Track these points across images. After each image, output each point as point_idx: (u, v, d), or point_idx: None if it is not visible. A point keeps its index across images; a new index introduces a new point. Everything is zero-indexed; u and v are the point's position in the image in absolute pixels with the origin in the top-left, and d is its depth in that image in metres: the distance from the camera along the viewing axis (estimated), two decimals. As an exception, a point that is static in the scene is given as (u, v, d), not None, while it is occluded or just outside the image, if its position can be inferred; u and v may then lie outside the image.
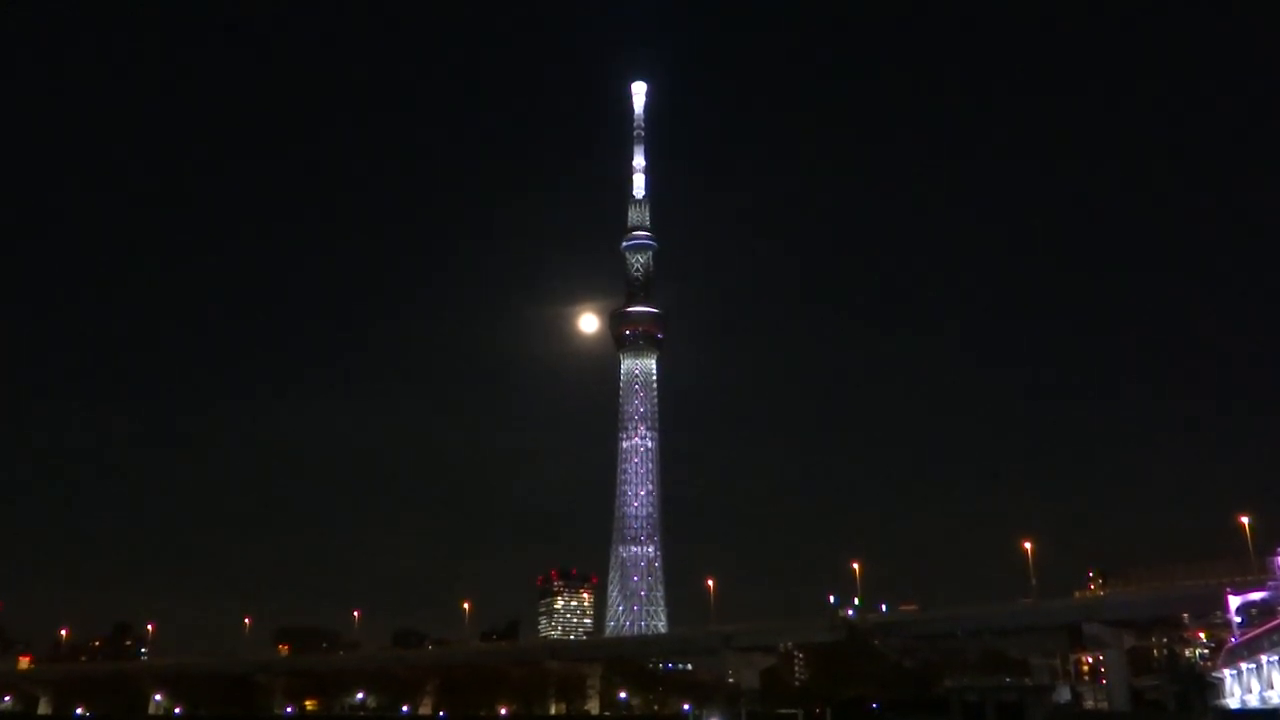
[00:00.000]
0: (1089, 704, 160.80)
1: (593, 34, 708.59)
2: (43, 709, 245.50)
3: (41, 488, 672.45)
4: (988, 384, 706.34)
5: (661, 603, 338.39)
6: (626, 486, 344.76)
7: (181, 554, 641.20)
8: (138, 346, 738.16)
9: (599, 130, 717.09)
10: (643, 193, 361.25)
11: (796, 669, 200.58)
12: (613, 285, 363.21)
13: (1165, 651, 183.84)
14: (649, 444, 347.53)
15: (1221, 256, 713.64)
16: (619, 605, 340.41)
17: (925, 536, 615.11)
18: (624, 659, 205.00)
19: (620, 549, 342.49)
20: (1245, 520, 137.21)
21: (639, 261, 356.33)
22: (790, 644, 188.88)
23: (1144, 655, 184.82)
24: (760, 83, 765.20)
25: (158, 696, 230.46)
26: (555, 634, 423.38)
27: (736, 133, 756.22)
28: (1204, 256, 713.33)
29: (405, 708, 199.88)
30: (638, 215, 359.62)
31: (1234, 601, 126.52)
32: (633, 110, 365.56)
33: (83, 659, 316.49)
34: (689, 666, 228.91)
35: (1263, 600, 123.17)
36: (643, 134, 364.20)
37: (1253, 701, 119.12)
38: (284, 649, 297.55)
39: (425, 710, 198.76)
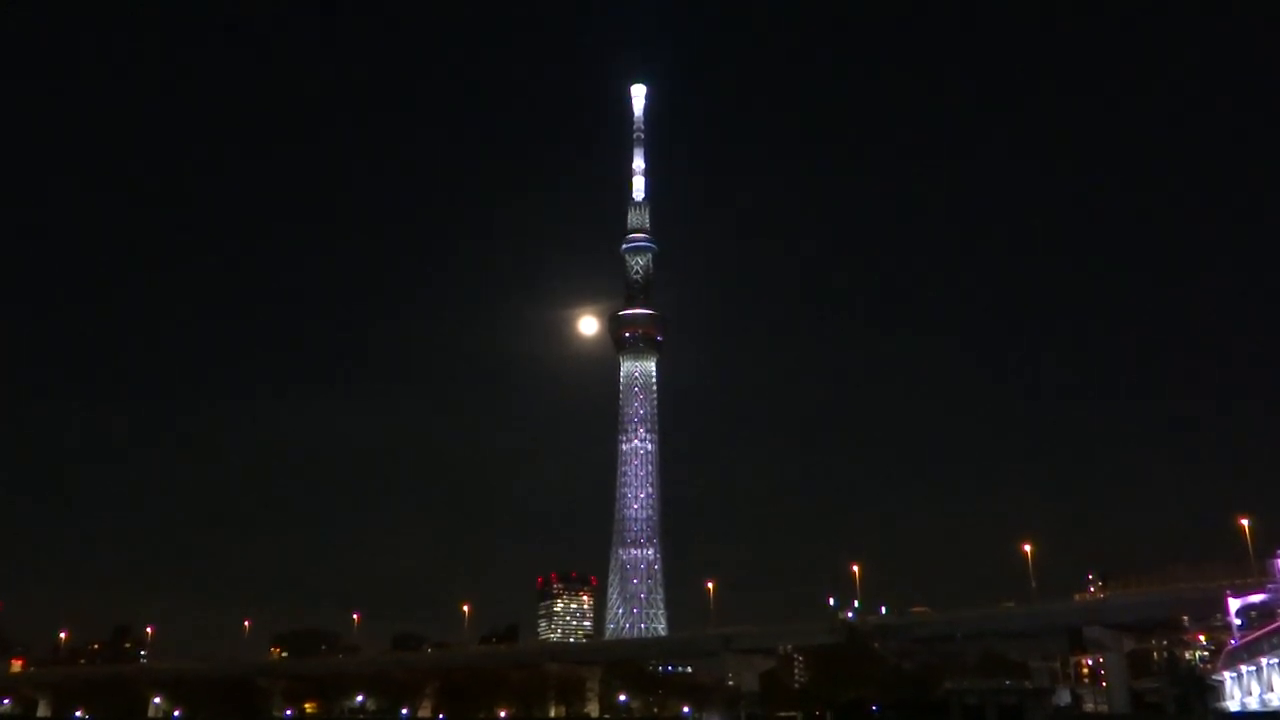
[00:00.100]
0: (1089, 707, 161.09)
1: (593, 34, 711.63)
2: (42, 712, 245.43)
3: (41, 488, 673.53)
4: (988, 384, 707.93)
5: (661, 605, 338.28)
6: (626, 489, 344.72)
7: (181, 554, 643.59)
8: (138, 346, 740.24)
9: (599, 131, 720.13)
10: (642, 195, 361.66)
11: (796, 671, 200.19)
12: (612, 286, 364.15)
13: (1165, 654, 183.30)
14: (649, 447, 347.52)
15: (1221, 256, 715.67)
16: (619, 608, 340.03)
17: (925, 536, 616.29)
18: (623, 661, 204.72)
19: (620, 551, 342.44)
20: (1245, 522, 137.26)
21: (639, 264, 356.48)
22: (790, 646, 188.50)
23: (1144, 658, 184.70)
24: (760, 83, 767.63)
25: (157, 700, 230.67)
26: (555, 636, 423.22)
27: (736, 133, 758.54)
28: (1204, 256, 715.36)
29: (405, 711, 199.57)
30: (637, 218, 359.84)
31: (1234, 604, 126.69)
32: (632, 113, 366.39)
33: (82, 662, 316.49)
34: (689, 669, 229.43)
35: (1262, 603, 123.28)
36: (642, 137, 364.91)
37: (1253, 704, 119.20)
38: (281, 652, 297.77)
39: (425, 713, 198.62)
